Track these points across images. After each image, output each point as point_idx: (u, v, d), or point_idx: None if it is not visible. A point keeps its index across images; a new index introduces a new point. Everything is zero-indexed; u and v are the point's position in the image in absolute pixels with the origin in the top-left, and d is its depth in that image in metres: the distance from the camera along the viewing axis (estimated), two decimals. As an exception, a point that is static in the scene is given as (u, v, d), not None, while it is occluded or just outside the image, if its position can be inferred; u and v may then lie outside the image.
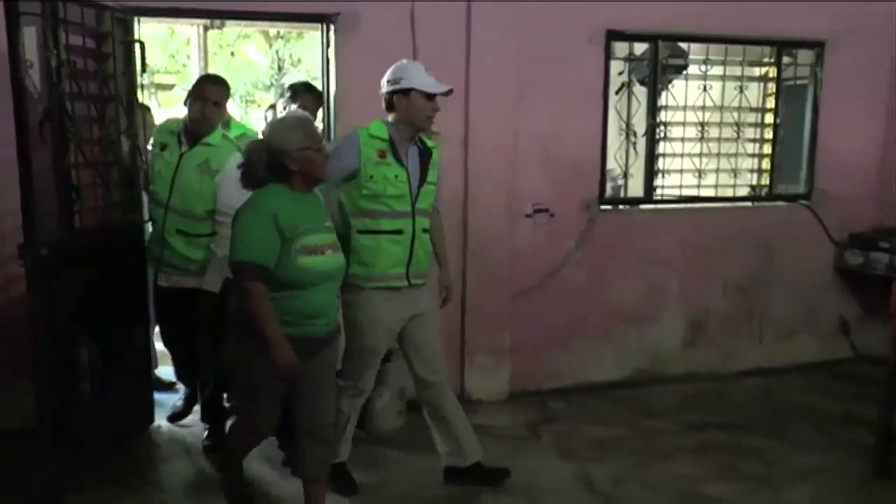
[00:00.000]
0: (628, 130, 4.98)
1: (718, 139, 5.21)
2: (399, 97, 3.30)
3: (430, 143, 3.48)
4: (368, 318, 3.33)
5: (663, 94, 5.02)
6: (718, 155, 5.22)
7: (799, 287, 5.37)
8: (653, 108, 4.93)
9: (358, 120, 4.25)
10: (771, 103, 5.34)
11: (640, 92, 4.98)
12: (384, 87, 3.35)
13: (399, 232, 3.31)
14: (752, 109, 5.29)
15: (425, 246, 3.42)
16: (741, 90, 5.19)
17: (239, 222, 2.75)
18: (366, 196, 3.27)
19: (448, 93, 3.34)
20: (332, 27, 4.28)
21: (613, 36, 4.72)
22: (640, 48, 4.94)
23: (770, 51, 5.25)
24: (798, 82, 5.40)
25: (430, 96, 3.30)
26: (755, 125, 5.34)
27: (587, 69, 4.68)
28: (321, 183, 2.99)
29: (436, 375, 3.50)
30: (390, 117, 3.35)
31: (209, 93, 3.70)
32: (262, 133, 2.98)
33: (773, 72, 5.29)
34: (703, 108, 5.10)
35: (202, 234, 3.72)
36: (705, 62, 5.08)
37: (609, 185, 5.09)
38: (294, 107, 3.83)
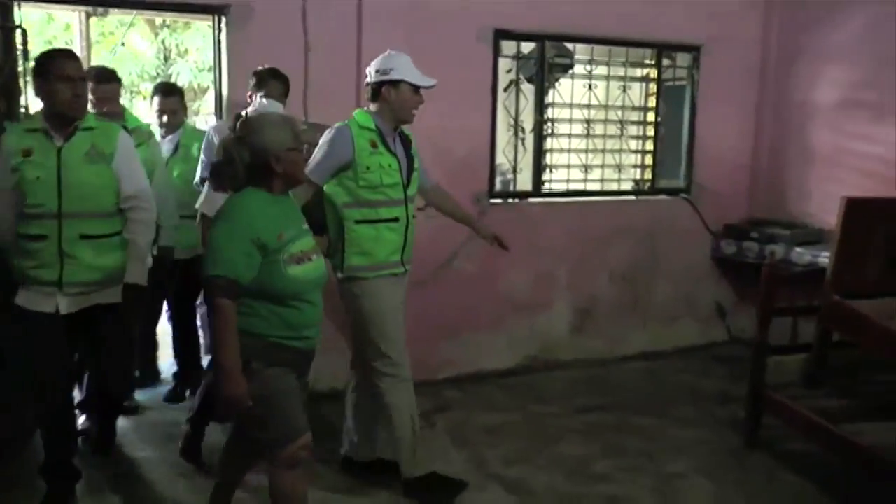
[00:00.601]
0: (517, 127, 5.15)
1: (604, 136, 5.45)
2: (388, 88, 3.32)
3: (406, 132, 3.52)
4: (384, 303, 3.38)
5: (550, 92, 5.21)
6: (604, 151, 5.46)
7: (679, 275, 5.68)
8: (540, 106, 5.11)
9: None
10: (652, 102, 5.62)
11: (529, 90, 5.16)
12: (372, 77, 3.36)
13: (396, 220, 3.37)
14: (634, 108, 5.55)
15: (414, 232, 3.49)
16: (624, 90, 5.45)
17: (213, 234, 2.54)
18: (363, 187, 3.29)
19: (432, 86, 3.39)
20: (223, 19, 4.27)
21: (501, 35, 4.88)
22: (527, 47, 5.10)
23: (651, 53, 5.52)
24: (677, 83, 5.70)
25: (417, 89, 3.35)
26: (638, 123, 5.61)
27: (476, 67, 4.82)
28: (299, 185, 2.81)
29: (404, 361, 3.53)
30: (373, 107, 3.38)
31: (70, 69, 3.06)
32: (239, 129, 2.61)
33: (653, 73, 5.57)
34: (589, 106, 5.32)
35: (114, 233, 3.21)
36: (590, 62, 5.30)
37: (498, 180, 5.23)
38: (260, 96, 3.72)
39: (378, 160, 3.30)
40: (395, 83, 3.31)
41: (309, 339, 2.68)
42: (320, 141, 3.32)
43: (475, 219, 3.94)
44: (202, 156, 4.02)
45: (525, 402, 4.67)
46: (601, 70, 5.36)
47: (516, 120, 5.13)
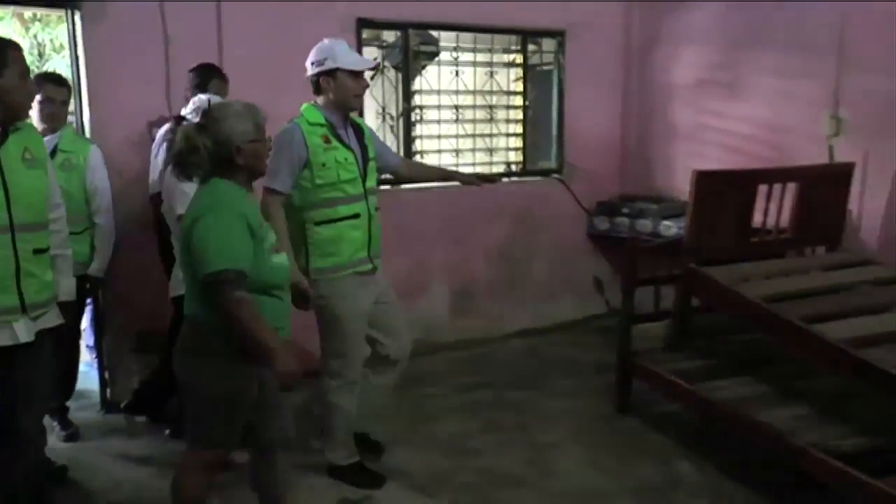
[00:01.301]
0: (384, 114, 5.20)
1: (473, 121, 5.56)
2: (326, 79, 3.25)
3: (357, 120, 3.47)
4: (350, 306, 3.33)
5: (417, 79, 5.29)
6: (474, 136, 5.57)
7: (557, 253, 5.85)
8: (407, 93, 5.17)
9: (111, 111, 4.20)
10: (520, 87, 5.76)
11: (396, 77, 5.21)
12: (309, 70, 3.29)
13: (356, 216, 3.31)
14: (503, 93, 5.68)
15: (379, 225, 3.43)
16: (492, 75, 5.58)
17: (202, 230, 2.36)
18: (320, 185, 3.22)
19: (375, 67, 3.35)
20: (76, 13, 4.15)
21: (364, 24, 4.91)
22: (392, 36, 5.16)
23: (516, 39, 5.66)
24: (544, 67, 5.87)
25: (357, 74, 3.28)
26: (507, 107, 5.74)
27: (341, 56, 4.84)
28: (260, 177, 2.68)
29: (404, 353, 3.61)
30: (320, 100, 3.32)
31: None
32: (201, 117, 2.51)
33: (520, 58, 5.70)
34: (457, 92, 5.42)
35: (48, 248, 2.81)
36: (456, 49, 5.40)
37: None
38: (204, 97, 3.52)
39: (333, 155, 3.23)
40: (331, 72, 3.24)
41: (285, 330, 2.63)
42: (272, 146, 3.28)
43: (455, 171, 4.10)
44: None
45: (407, 385, 4.66)
46: (467, 56, 5.46)
47: (384, 108, 5.18)
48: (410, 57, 5.13)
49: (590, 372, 4.88)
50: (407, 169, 3.83)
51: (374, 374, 3.62)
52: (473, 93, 5.54)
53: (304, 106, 3.33)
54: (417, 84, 5.30)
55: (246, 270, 2.37)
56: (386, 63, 5.17)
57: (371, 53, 5.06)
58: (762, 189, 4.08)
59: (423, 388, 4.65)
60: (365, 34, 4.97)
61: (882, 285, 3.90)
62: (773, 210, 4.16)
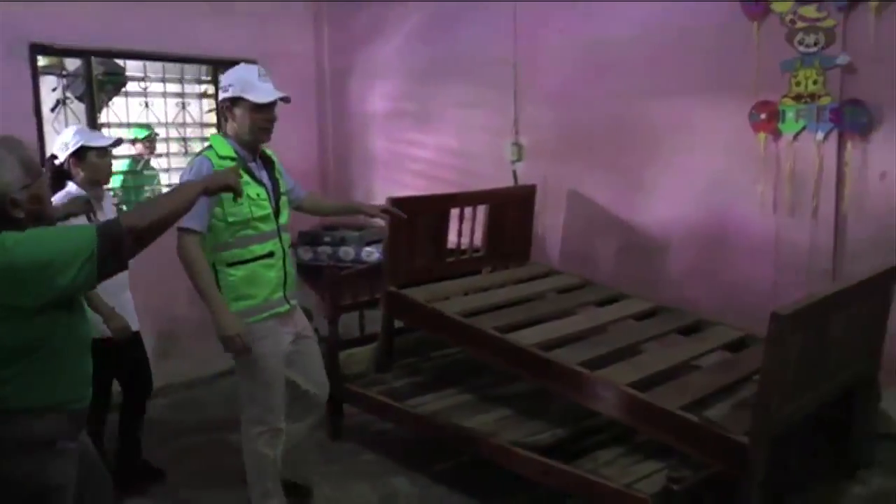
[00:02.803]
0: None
1: (167, 154, 5.34)
2: (229, 107, 2.91)
3: (268, 152, 3.13)
4: (269, 350, 3.01)
5: (104, 111, 4.98)
6: (168, 170, 5.35)
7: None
8: (93, 126, 4.81)
9: None
10: (213, 118, 5.63)
11: (81, 109, 4.84)
12: (220, 95, 2.94)
13: (270, 255, 3.01)
14: (197, 125, 5.52)
15: (293, 264, 3.15)
16: (183, 107, 5.40)
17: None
18: (232, 224, 2.90)
19: (285, 100, 2.97)
20: None
21: (39, 49, 4.52)
22: (74, 64, 4.81)
23: (208, 69, 5.54)
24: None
25: (262, 106, 2.90)
26: (202, 139, 5.58)
27: (12, 85, 4.40)
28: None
29: (324, 391, 3.36)
30: (228, 129, 2.96)
31: None
32: None
33: (212, 89, 5.58)
34: (148, 125, 5.18)
35: None
36: (144, 79, 5.16)
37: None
38: None
39: (246, 191, 2.84)
40: (234, 101, 2.93)
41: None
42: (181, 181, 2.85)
43: (361, 204, 3.89)
44: None
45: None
46: (157, 87, 5.24)
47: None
48: (95, 87, 4.80)
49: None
50: (310, 202, 3.58)
51: (292, 420, 3.37)
52: (166, 125, 5.31)
53: (213, 136, 3.11)
54: (105, 116, 4.98)
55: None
56: (68, 94, 4.79)
57: (50, 83, 4.68)
58: (455, 211, 4.36)
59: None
60: (43, 61, 4.58)
61: (564, 292, 4.34)
62: (467, 231, 4.45)
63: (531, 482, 3.28)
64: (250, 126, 2.98)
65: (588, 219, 4.77)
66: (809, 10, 3.85)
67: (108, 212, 3.54)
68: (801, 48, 3.89)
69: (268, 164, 3.17)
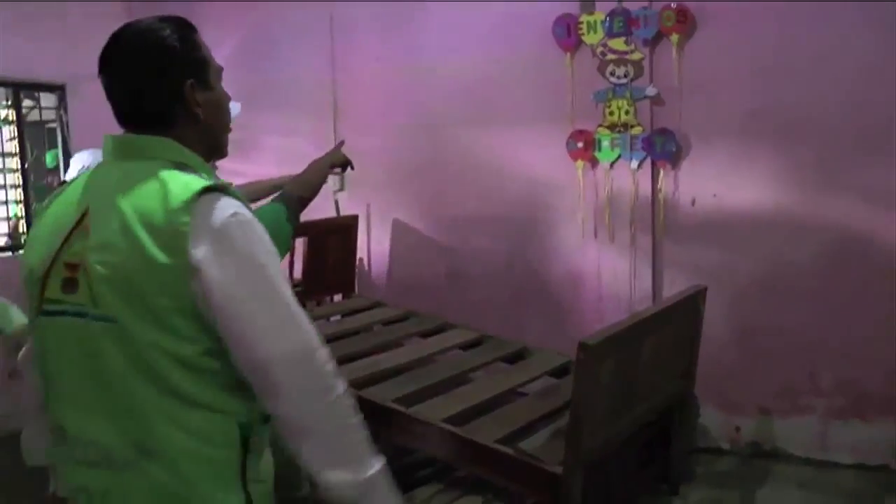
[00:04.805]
0: None
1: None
2: None
3: None
4: None
5: None
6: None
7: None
8: None
9: None
10: (14, 147, 5.19)
11: None
12: None
13: None
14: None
15: None
16: (-20, 133, 4.96)
17: None
18: None
19: None
20: None
21: None
22: None
23: (8, 93, 5.11)
24: (50, 125, 5.39)
25: None
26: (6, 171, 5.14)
27: None
28: None
29: None
30: None
31: None
32: None
33: (13, 114, 5.16)
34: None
35: None
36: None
37: None
38: None
39: None
40: None
41: None
42: None
43: None
44: None
45: None
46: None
47: None
48: None
49: None
50: None
51: None
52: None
53: None
54: None
55: None
56: None
57: None
58: (274, 244, 4.16)
59: None
60: None
61: (389, 324, 4.23)
62: (286, 263, 4.27)
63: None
64: None
65: (412, 247, 4.71)
66: (618, 43, 3.96)
67: None
68: (613, 79, 4.01)
69: None
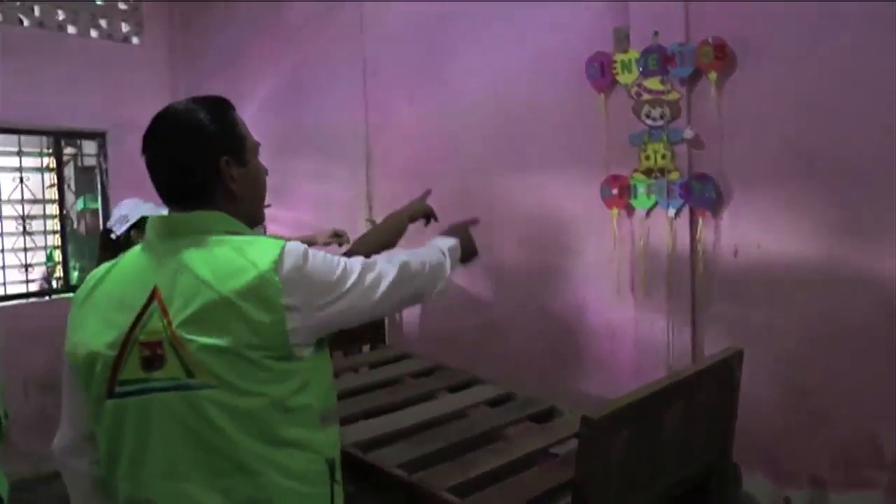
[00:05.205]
0: None
1: (1, 234, 4.93)
2: None
3: None
4: None
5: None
6: (2, 251, 4.93)
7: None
8: None
9: None
10: (53, 194, 5.25)
11: None
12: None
13: None
14: (35, 201, 5.13)
15: None
16: (21, 181, 5.01)
17: None
18: None
19: None
20: None
21: None
22: None
23: (48, 141, 5.17)
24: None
25: None
26: (46, 217, 5.19)
27: None
28: None
29: None
30: None
31: None
32: None
33: (53, 162, 5.22)
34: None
35: None
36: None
37: None
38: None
39: None
40: None
41: None
42: None
43: None
44: None
45: None
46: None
47: None
48: None
49: None
50: None
51: None
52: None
53: None
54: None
55: None
56: None
57: None
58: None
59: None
60: None
61: (417, 376, 4.05)
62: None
63: None
64: None
65: (444, 297, 4.52)
66: (654, 83, 3.73)
67: None
68: (649, 121, 3.77)
69: None
